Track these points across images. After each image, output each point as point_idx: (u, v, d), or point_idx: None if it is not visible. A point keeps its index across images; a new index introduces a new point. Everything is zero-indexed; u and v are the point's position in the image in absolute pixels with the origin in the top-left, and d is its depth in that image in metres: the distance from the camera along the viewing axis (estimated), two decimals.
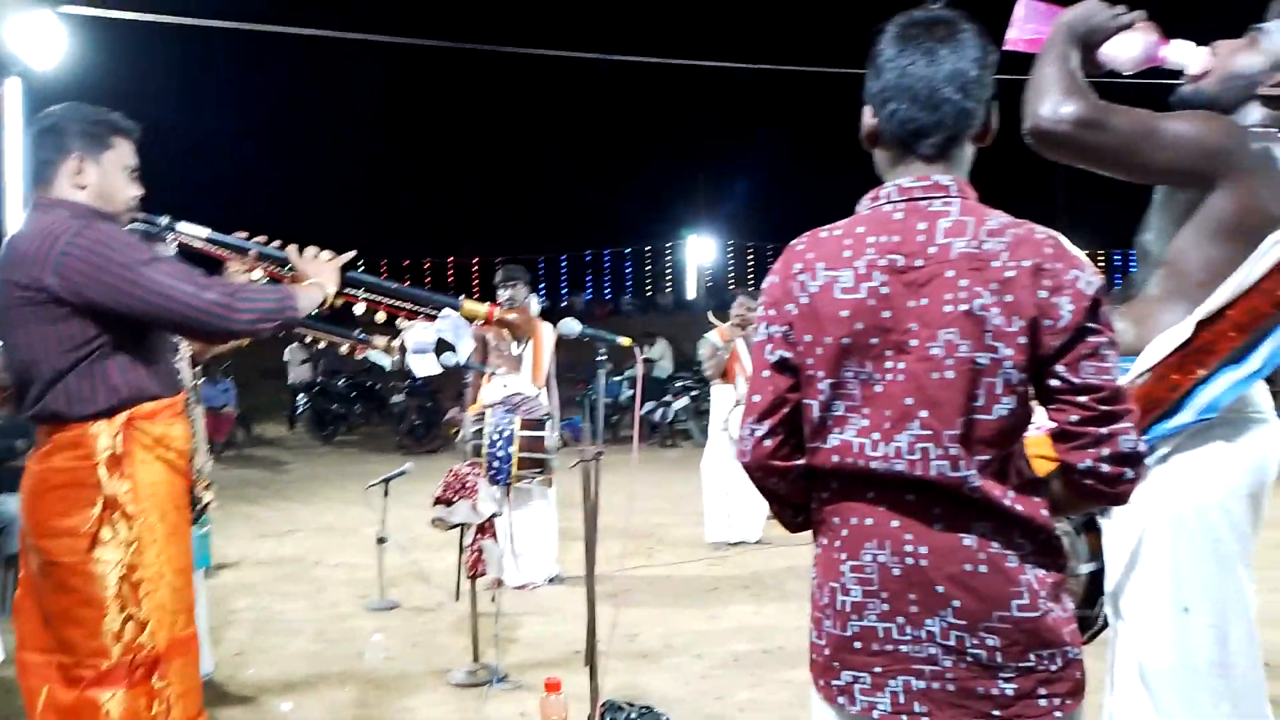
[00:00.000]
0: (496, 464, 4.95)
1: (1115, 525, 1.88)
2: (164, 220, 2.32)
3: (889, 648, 1.29)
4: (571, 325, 3.03)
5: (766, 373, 1.38)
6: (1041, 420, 2.15)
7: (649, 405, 12.55)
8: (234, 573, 5.77)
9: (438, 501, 4.01)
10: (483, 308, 2.58)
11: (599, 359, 2.99)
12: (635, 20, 23.78)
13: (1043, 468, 2.02)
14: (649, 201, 28.57)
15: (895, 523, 1.30)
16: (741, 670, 3.83)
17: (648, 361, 13.28)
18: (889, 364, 1.28)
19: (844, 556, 1.33)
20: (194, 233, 2.34)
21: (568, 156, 28.69)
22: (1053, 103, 1.68)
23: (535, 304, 2.70)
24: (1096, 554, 2.02)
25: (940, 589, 1.27)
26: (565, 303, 25.80)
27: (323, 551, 6.36)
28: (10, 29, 8.25)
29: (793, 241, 1.41)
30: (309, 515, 7.81)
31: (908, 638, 1.28)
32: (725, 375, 6.20)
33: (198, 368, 3.44)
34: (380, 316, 2.51)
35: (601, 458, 2.88)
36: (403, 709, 3.53)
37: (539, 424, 5.03)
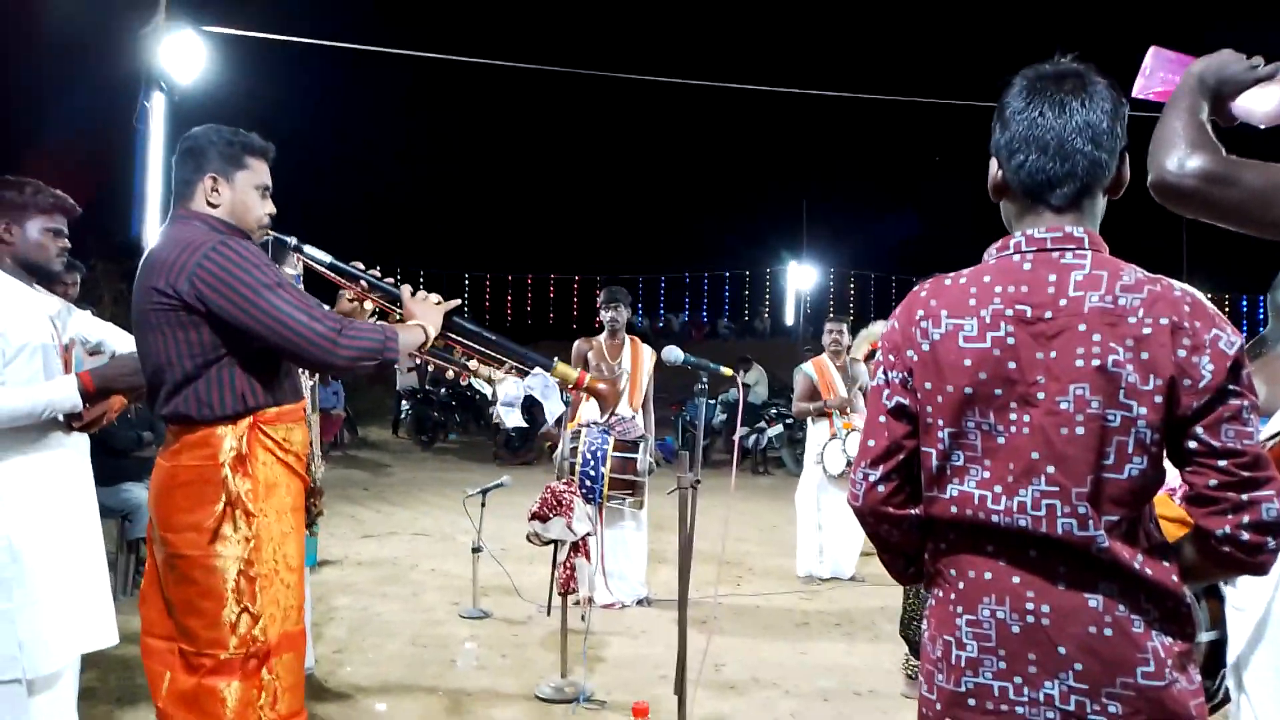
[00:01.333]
0: (589, 483, 5.01)
1: (1240, 594, 1.79)
2: (292, 241, 2.44)
3: (1004, 708, 1.26)
4: (675, 353, 3.06)
5: (882, 418, 1.38)
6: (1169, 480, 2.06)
7: (742, 431, 12.47)
8: (336, 571, 5.99)
9: (534, 517, 4.07)
10: (574, 373, 2.69)
11: (699, 388, 3.01)
12: (745, 47, 23.85)
13: (1165, 528, 1.94)
14: (751, 226, 28.51)
15: (1016, 579, 1.27)
16: (830, 709, 3.76)
17: (745, 387, 13.20)
18: (1013, 416, 1.27)
19: (960, 610, 1.31)
20: (318, 257, 2.46)
21: (672, 179, 28.91)
22: (1179, 156, 1.62)
23: (649, 359, 2.65)
24: (1218, 622, 1.93)
25: (1062, 650, 1.23)
26: (662, 323, 25.90)
27: (420, 555, 6.54)
28: (161, 47, 8.87)
29: (916, 287, 1.41)
30: (408, 519, 8.04)
31: (1025, 699, 1.25)
32: (813, 399, 6.11)
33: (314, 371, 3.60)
34: (474, 364, 2.62)
35: (699, 485, 2.89)
36: (490, 718, 3.60)
37: (633, 445, 5.07)
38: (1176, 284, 1.27)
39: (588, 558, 4.07)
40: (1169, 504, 2.27)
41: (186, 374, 2.10)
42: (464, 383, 2.84)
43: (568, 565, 4.03)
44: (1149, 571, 1.23)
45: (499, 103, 26.64)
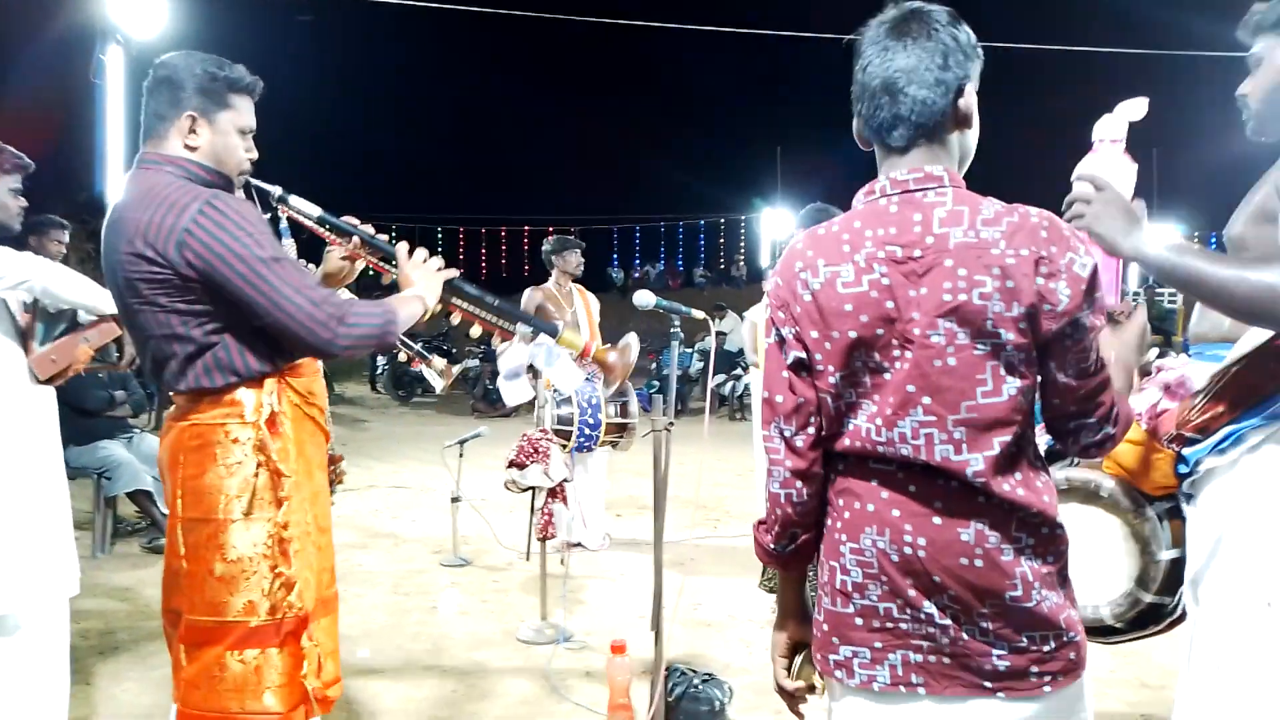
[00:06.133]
0: (588, 430, 5.05)
1: (1199, 513, 1.84)
2: (277, 191, 2.19)
3: (889, 625, 1.34)
4: (647, 297, 3.05)
5: (785, 373, 1.40)
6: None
7: (718, 378, 12.53)
8: None
9: (511, 465, 4.10)
10: (581, 340, 2.51)
11: (672, 331, 3.01)
12: None
13: (1120, 449, 1.98)
14: (724, 173, 28.35)
15: (896, 511, 1.33)
16: None
17: (719, 334, 13.24)
18: (895, 353, 1.31)
19: (844, 538, 1.37)
20: (305, 210, 2.23)
21: (642, 127, 28.59)
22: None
23: (635, 343, 2.50)
24: (1179, 541, 1.98)
25: (936, 579, 1.30)
26: (638, 274, 25.81)
27: (400, 508, 6.58)
28: None
29: (792, 240, 1.44)
30: (387, 472, 8.07)
31: (907, 617, 1.33)
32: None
33: None
34: (475, 330, 2.38)
35: (671, 429, 2.91)
36: (473, 661, 3.66)
37: (620, 391, 5.11)
38: (1034, 211, 1.31)
39: (565, 503, 4.12)
40: (1135, 427, 2.32)
41: (200, 344, 1.91)
42: (415, 368, 2.66)
43: (546, 511, 4.07)
44: (1021, 495, 1.29)
45: (473, 50, 26.15)
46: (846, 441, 1.36)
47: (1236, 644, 1.73)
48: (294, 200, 2.21)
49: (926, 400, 1.29)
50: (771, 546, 1.47)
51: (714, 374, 12.00)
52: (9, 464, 2.47)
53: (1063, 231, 1.29)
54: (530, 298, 5.55)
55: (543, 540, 4.05)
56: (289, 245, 2.28)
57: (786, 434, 1.39)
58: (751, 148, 27.25)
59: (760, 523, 1.48)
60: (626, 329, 5.60)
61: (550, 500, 4.07)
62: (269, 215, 2.25)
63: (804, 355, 1.37)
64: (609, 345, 2.71)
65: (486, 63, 27.38)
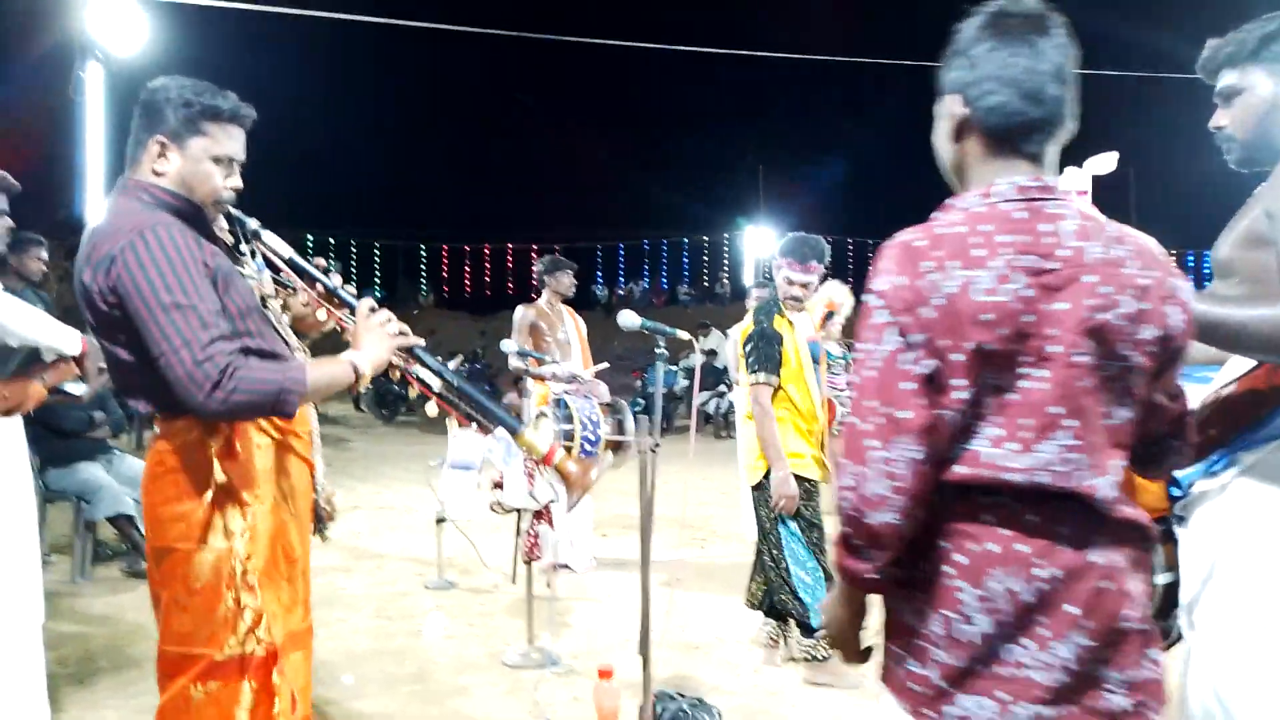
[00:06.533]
0: (589, 447, 5.01)
1: (1192, 536, 1.84)
2: (253, 225, 2.13)
3: (1019, 674, 1.23)
4: (631, 318, 3.04)
5: (909, 384, 1.22)
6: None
7: (703, 396, 12.52)
8: None
9: (496, 485, 4.07)
10: (543, 446, 2.14)
11: (658, 351, 3.00)
12: (696, 9, 23.64)
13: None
14: (707, 192, 28.49)
15: (1022, 546, 1.24)
16: (795, 666, 3.82)
17: (705, 353, 13.25)
18: (1026, 370, 1.22)
19: (964, 584, 1.25)
20: (277, 248, 2.16)
21: (626, 145, 28.71)
22: None
23: (605, 466, 2.34)
24: (1173, 565, 1.98)
25: (1072, 610, 1.23)
26: (623, 292, 25.83)
27: (383, 529, 6.51)
28: (90, 13, 8.54)
29: (903, 237, 1.29)
30: (369, 493, 7.99)
31: (1038, 663, 1.23)
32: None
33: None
34: (432, 409, 2.21)
35: (658, 450, 2.89)
36: (458, 687, 3.61)
37: (613, 407, 5.08)
38: (1140, 234, 1.31)
39: (551, 524, 4.08)
40: None
41: (152, 370, 1.84)
42: (412, 395, 2.27)
43: (531, 533, 4.03)
44: (1133, 513, 1.27)
45: (457, 69, 26.18)
46: (962, 470, 1.23)
47: (1232, 667, 1.72)
48: (267, 237, 2.14)
49: (1072, 423, 1.22)
50: (876, 577, 1.31)
51: (699, 391, 12.00)
52: None
53: (1166, 258, 1.29)
54: (523, 316, 5.51)
55: (528, 562, 4.01)
56: (265, 278, 2.21)
57: (917, 457, 1.22)
58: (734, 167, 27.46)
59: (852, 550, 1.30)
60: (611, 347, 5.64)
61: (536, 521, 4.03)
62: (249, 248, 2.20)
63: (939, 365, 1.22)
64: (573, 456, 2.42)
65: (472, 81, 27.46)
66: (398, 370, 2.11)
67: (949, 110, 1.35)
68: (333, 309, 2.19)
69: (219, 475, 1.88)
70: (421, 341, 2.09)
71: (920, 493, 1.23)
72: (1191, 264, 24.11)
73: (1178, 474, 1.86)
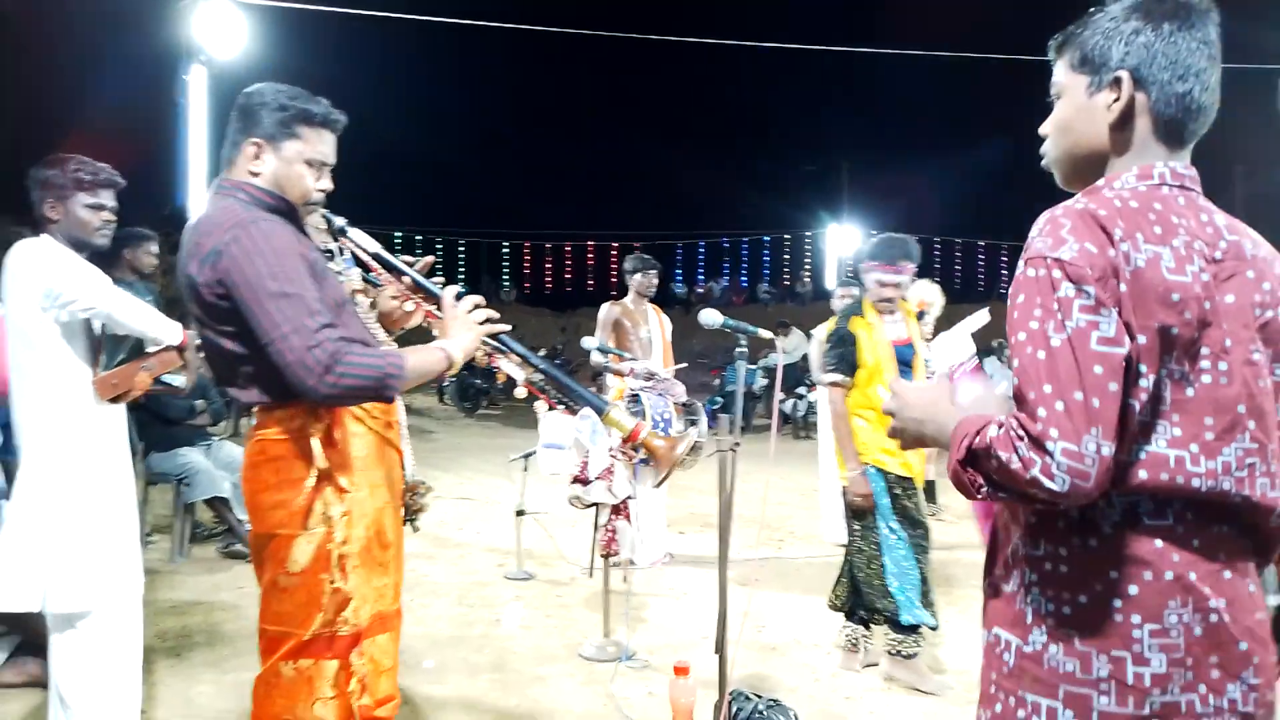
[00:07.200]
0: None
1: None
2: (340, 223, 2.21)
3: None
4: (713, 316, 3.03)
5: (1100, 368, 1.06)
6: None
7: (781, 396, 12.41)
8: None
9: (575, 480, 4.11)
10: (630, 424, 2.20)
11: (738, 350, 2.98)
12: (786, 8, 23.39)
13: None
14: (790, 189, 28.09)
15: (1192, 574, 1.11)
16: (873, 672, 3.76)
17: (786, 353, 13.12)
18: (1206, 363, 1.12)
19: (1139, 619, 1.11)
20: (364, 244, 2.23)
21: (708, 143, 28.62)
22: None
23: (691, 440, 2.32)
24: None
25: (1243, 646, 1.13)
26: (702, 289, 25.77)
27: (465, 519, 6.64)
28: (195, 19, 8.94)
29: (1076, 204, 1.16)
30: (453, 484, 8.16)
31: (1210, 709, 1.12)
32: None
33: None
34: (520, 393, 2.23)
35: (738, 448, 2.88)
36: (535, 677, 3.66)
37: (688, 407, 5.09)
38: None
39: (629, 520, 4.11)
40: None
41: (256, 361, 1.92)
42: (493, 365, 2.35)
43: (609, 528, 4.06)
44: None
45: (543, 68, 26.49)
46: (1144, 475, 1.10)
47: None
48: (353, 233, 2.22)
49: (1252, 425, 1.13)
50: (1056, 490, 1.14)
51: (780, 391, 11.85)
52: (79, 474, 2.60)
53: None
54: (608, 313, 5.58)
55: (605, 557, 4.04)
56: (354, 274, 2.31)
57: (1105, 451, 1.05)
58: (818, 164, 27.02)
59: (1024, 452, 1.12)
60: (690, 345, 5.62)
61: (614, 517, 4.06)
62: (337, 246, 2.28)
63: (1130, 347, 1.08)
64: (664, 435, 2.45)
65: (554, 80, 27.76)
66: (484, 358, 2.16)
67: (1122, 89, 1.22)
68: (420, 300, 2.25)
69: (320, 462, 1.95)
70: (507, 327, 2.15)
71: (1099, 491, 1.08)
72: None
73: None
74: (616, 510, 4.06)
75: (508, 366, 2.19)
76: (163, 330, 2.71)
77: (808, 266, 26.67)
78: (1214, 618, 1.11)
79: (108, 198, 2.73)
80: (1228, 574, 1.13)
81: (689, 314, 5.59)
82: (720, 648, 2.76)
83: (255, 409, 2.04)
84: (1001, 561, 1.25)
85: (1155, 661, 1.10)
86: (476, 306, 2.12)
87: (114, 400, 2.69)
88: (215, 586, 4.71)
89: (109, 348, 2.76)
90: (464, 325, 2.07)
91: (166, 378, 2.87)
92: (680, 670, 3.02)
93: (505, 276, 25.92)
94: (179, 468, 5.14)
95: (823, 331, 6.00)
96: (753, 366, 12.82)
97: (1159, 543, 1.12)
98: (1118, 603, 1.12)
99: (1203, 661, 1.11)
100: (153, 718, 3.16)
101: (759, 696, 3.13)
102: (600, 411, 2.23)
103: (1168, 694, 1.10)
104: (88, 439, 2.63)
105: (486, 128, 29.33)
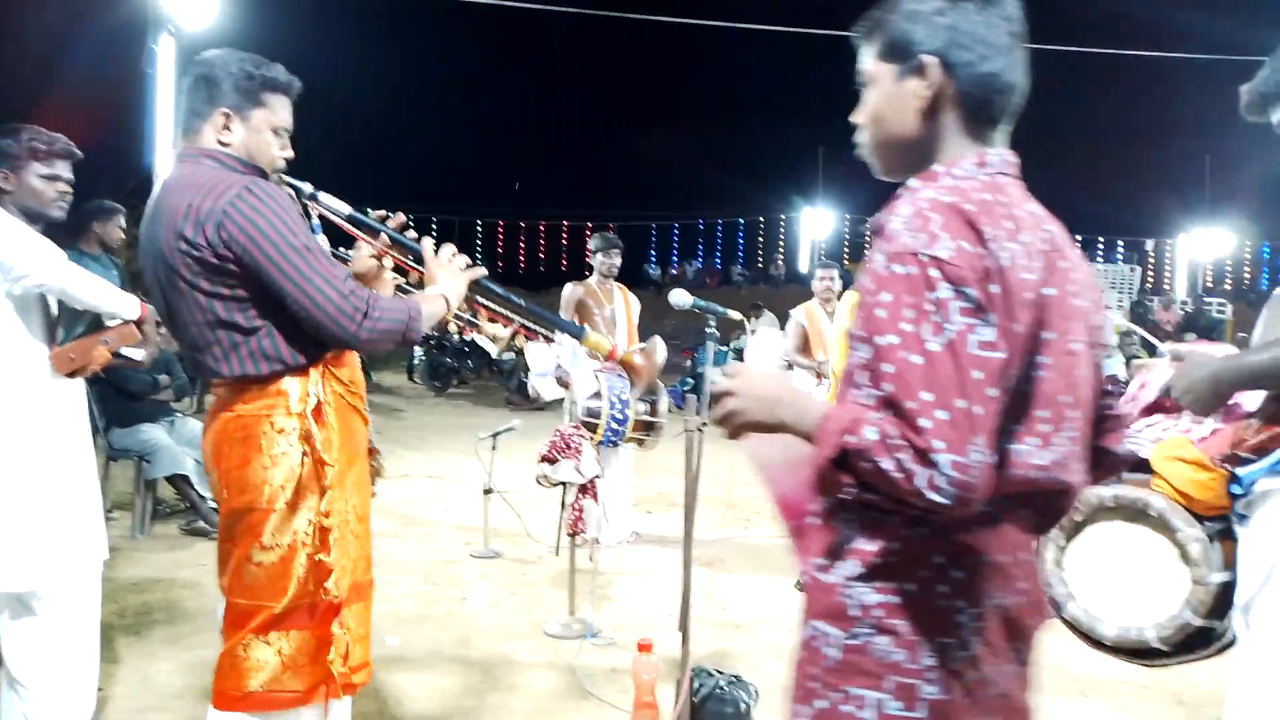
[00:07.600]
0: (615, 425, 5.03)
1: (1252, 535, 1.78)
2: (308, 188, 2.20)
3: (1000, 699, 1.16)
4: (683, 296, 3.03)
5: (979, 373, 1.02)
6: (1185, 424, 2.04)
7: None
8: None
9: (543, 459, 4.10)
10: (607, 344, 2.35)
11: (708, 331, 2.99)
12: None
13: (1180, 470, 1.92)
14: (764, 172, 28.14)
15: (1006, 558, 1.15)
16: None
17: (755, 334, 13.14)
18: (1043, 358, 1.11)
19: (962, 604, 1.12)
20: (335, 207, 2.23)
21: (683, 124, 28.52)
22: None
23: (661, 346, 2.44)
24: (1230, 564, 1.92)
25: (1031, 621, 1.20)
26: (675, 271, 25.77)
27: (432, 498, 6.62)
28: None
29: (953, 202, 1.09)
30: (421, 462, 8.12)
31: (1006, 688, 1.17)
32: (805, 351, 6.04)
33: None
34: (501, 330, 2.43)
35: (705, 429, 2.89)
36: (500, 653, 3.67)
37: (651, 389, 5.09)
38: None
39: (595, 499, 4.11)
40: (1187, 446, 2.25)
41: (244, 330, 1.92)
42: (467, 338, 2.57)
43: (576, 507, 4.06)
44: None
45: (515, 45, 26.25)
46: (998, 469, 1.07)
47: None
48: (323, 198, 2.22)
49: (1075, 415, 1.16)
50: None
51: None
52: (31, 451, 2.52)
53: None
54: (572, 292, 5.55)
55: (572, 535, 4.04)
56: (320, 240, 2.29)
57: (988, 459, 1.01)
58: (793, 147, 27.07)
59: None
60: (662, 326, 5.63)
61: (581, 496, 4.06)
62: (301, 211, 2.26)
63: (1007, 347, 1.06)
64: (636, 348, 2.66)
65: (528, 58, 27.49)
66: (459, 332, 2.27)
67: (928, 74, 1.19)
68: (399, 256, 2.28)
69: (311, 438, 1.97)
70: (485, 271, 2.25)
71: (979, 503, 1.04)
72: (1266, 255, 23.19)
73: (1240, 472, 1.80)
74: (583, 489, 4.06)
75: (488, 327, 2.48)
76: (119, 304, 2.65)
77: (781, 250, 26.77)
78: (1019, 598, 1.16)
79: (64, 169, 2.65)
80: (1023, 555, 1.18)
81: (661, 295, 5.58)
82: (684, 625, 2.77)
83: (219, 385, 2.02)
84: (822, 553, 1.19)
85: (974, 644, 1.12)
86: (456, 254, 2.19)
87: (71, 375, 2.63)
88: (176, 564, 4.65)
89: (66, 321, 2.70)
90: (450, 272, 2.15)
91: (127, 351, 2.82)
92: (643, 647, 3.04)
93: (479, 256, 25.78)
94: (140, 444, 5.07)
95: (804, 312, 6.05)
96: (723, 348, 12.84)
97: (982, 529, 1.12)
98: (944, 589, 1.11)
99: (1005, 645, 1.16)
100: (111, 695, 3.12)
101: (720, 673, 3.16)
102: (578, 336, 2.41)
103: (981, 672, 1.13)
104: (44, 414, 2.58)
105: (460, 106, 29.04)
